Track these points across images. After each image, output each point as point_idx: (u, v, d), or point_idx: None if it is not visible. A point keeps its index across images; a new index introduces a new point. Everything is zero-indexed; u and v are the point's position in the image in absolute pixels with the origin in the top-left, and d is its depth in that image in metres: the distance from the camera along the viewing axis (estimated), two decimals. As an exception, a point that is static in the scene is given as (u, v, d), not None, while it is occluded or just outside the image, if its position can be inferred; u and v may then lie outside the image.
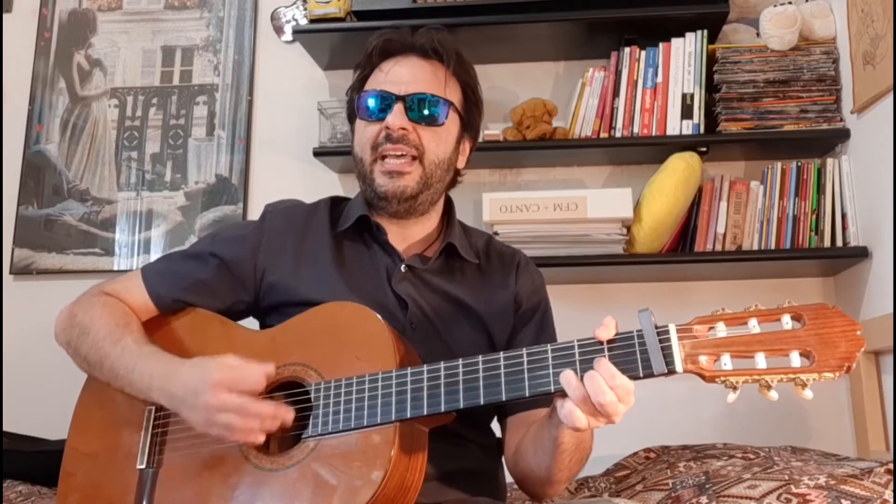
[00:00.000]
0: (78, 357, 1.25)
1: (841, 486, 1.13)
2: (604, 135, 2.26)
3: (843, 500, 1.10)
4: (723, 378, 0.95)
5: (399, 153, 1.28)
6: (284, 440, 1.14)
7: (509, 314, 1.35)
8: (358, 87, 1.36)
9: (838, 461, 1.35)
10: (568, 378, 0.98)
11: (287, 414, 1.09)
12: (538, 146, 2.28)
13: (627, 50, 2.28)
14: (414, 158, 1.29)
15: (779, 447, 1.58)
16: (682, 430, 1.92)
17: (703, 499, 1.17)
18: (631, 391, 0.96)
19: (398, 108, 1.27)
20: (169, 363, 1.16)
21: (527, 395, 1.04)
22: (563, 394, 0.98)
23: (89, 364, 1.23)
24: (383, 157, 1.29)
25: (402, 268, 1.31)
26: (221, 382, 1.08)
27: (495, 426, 1.36)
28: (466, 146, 1.40)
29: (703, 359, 0.97)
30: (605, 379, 0.95)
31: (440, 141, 1.31)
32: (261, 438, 1.08)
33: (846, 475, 1.16)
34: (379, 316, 1.15)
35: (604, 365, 0.96)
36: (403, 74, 1.30)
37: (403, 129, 1.27)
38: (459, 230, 1.40)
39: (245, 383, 1.08)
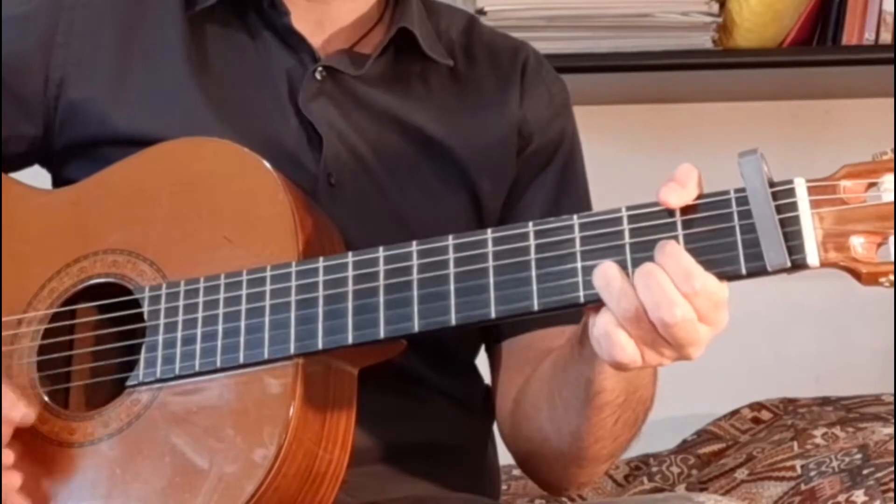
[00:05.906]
0: None
1: None
2: None
3: None
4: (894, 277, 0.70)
5: None
6: (96, 389, 0.83)
7: (508, 155, 1.04)
8: None
9: None
10: (607, 275, 0.71)
11: (27, 417, 0.78)
12: None
13: None
14: None
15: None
16: (817, 371, 1.49)
17: (859, 494, 0.90)
18: (720, 302, 0.71)
19: None
20: None
21: (535, 308, 0.74)
22: (598, 305, 0.72)
23: None
24: None
25: (318, 73, 0.99)
26: None
27: (481, 363, 1.01)
28: None
29: (856, 241, 0.70)
30: (675, 277, 0.70)
31: None
32: None
33: None
34: (266, 162, 0.84)
35: (672, 252, 0.71)
36: None
37: None
38: (419, 9, 1.07)
39: None
